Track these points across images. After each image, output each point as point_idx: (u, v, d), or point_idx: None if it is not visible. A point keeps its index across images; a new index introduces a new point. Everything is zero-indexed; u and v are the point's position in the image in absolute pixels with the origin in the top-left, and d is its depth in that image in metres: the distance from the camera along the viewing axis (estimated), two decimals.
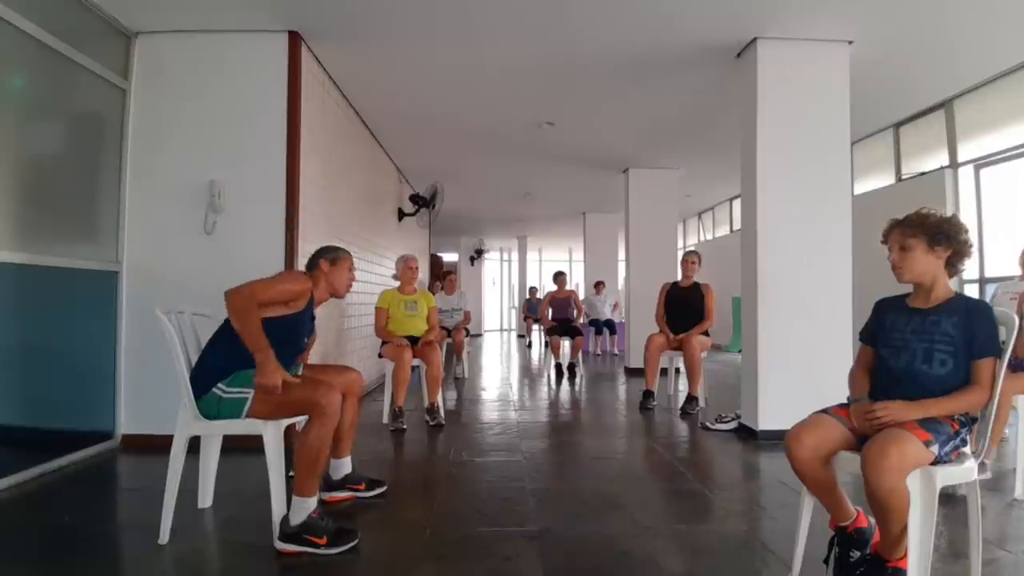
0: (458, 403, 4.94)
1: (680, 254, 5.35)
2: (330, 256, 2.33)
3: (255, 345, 1.96)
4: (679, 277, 4.82)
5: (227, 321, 2.05)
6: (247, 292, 1.98)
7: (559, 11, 3.27)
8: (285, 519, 1.94)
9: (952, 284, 1.73)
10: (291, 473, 2.01)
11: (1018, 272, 3.14)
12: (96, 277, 3.16)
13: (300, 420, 2.11)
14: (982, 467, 2.52)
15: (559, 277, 7.08)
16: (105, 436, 3.20)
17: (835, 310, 3.54)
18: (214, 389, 2.01)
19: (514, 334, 15.29)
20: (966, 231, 1.67)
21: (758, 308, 3.57)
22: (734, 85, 3.91)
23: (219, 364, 2.03)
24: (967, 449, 1.62)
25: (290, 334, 2.15)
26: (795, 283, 3.54)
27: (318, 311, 2.37)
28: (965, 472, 1.54)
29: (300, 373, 2.28)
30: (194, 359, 2.11)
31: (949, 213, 1.72)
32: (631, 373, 6.63)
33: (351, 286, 2.40)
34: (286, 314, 2.11)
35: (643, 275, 6.57)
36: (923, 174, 5.13)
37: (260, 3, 3.15)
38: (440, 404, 4.01)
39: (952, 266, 1.68)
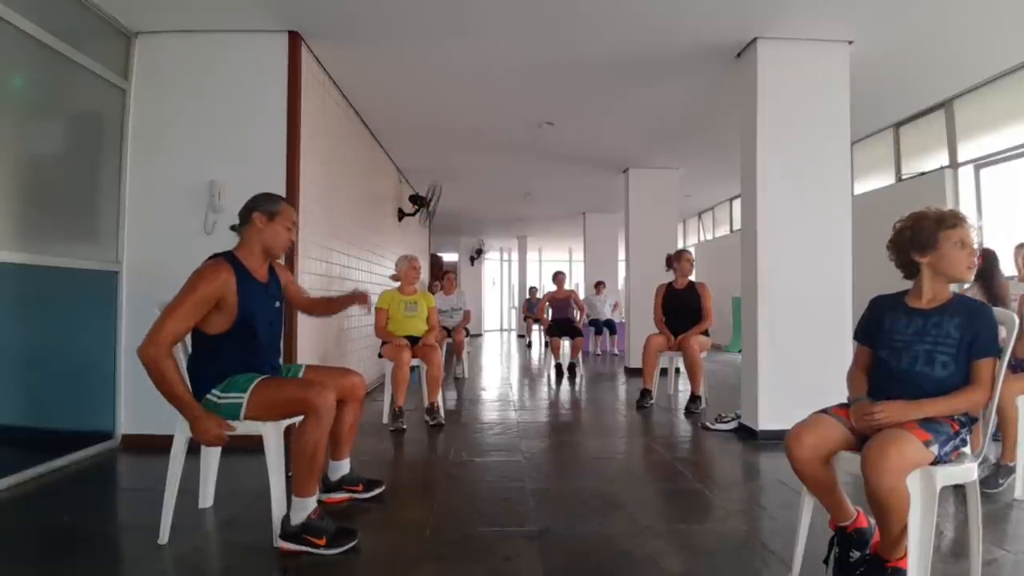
0: (458, 403, 4.94)
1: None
2: (267, 209, 1.97)
3: (177, 403, 1.81)
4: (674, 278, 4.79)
5: (199, 331, 1.98)
6: (152, 340, 1.76)
7: (559, 11, 3.27)
8: (286, 518, 1.94)
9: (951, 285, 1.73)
10: (291, 474, 2.01)
11: (1016, 272, 3.13)
12: (96, 277, 3.16)
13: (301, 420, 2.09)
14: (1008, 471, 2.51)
15: (558, 277, 7.08)
16: (105, 436, 3.20)
17: (835, 310, 3.54)
18: (208, 396, 1.98)
19: (514, 334, 15.29)
20: None
21: (758, 308, 3.57)
22: (734, 85, 3.91)
23: (209, 371, 1.99)
24: (967, 449, 1.62)
25: (248, 334, 1.99)
26: (795, 283, 3.54)
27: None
28: (965, 472, 1.54)
29: (302, 374, 2.27)
30: None
31: None
32: (631, 373, 6.62)
33: (289, 246, 2.07)
34: (231, 319, 1.95)
35: (643, 275, 6.55)
36: (923, 174, 5.13)
37: (260, 3, 3.15)
38: (440, 404, 4.01)
39: None
